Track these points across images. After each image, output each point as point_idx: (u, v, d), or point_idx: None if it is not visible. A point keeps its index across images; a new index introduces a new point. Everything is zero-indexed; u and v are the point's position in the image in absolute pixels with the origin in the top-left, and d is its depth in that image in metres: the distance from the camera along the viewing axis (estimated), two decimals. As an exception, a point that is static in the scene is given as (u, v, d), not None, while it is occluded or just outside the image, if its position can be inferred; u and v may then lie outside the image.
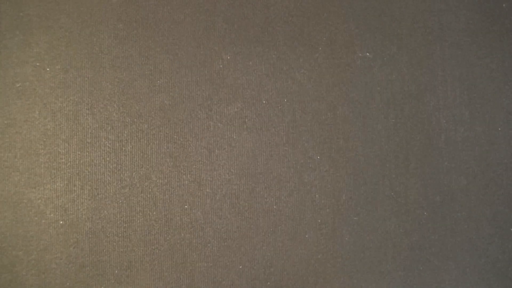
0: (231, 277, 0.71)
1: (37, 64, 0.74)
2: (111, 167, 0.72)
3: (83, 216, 0.72)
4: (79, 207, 0.72)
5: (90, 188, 0.72)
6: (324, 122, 0.73)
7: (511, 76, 0.71)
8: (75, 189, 0.72)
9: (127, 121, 0.73)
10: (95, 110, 0.73)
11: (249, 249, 0.71)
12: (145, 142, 0.72)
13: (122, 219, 0.72)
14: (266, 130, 0.73)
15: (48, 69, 0.74)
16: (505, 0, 0.73)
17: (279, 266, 0.70)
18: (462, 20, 0.72)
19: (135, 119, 0.73)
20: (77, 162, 0.73)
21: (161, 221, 0.71)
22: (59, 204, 0.72)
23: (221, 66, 0.73)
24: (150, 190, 0.72)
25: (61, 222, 0.72)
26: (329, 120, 0.73)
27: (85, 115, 0.73)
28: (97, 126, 0.73)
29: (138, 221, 0.72)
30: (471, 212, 0.70)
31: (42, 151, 0.73)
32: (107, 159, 0.72)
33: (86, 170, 0.72)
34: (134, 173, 0.72)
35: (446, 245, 0.70)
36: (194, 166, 0.72)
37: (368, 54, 0.72)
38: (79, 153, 0.73)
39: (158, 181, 0.72)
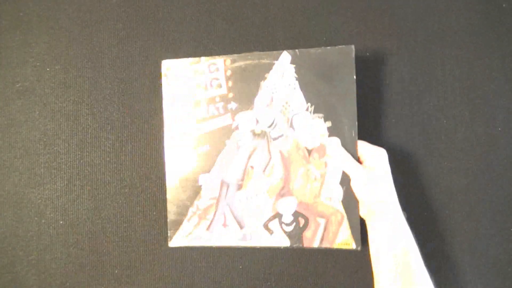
0: (231, 277, 0.71)
1: (37, 64, 0.74)
2: (111, 167, 0.72)
3: (83, 216, 0.72)
4: (79, 207, 0.72)
5: (90, 188, 0.72)
6: (324, 122, 0.73)
7: (511, 76, 0.72)
8: (75, 189, 0.72)
9: (127, 121, 0.73)
10: (95, 110, 0.73)
11: (249, 249, 0.71)
12: (145, 142, 0.72)
13: (122, 219, 0.72)
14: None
15: (48, 69, 0.74)
16: (505, 0, 0.73)
17: (279, 266, 0.70)
18: (462, 20, 0.72)
19: (135, 119, 0.73)
20: (77, 162, 0.73)
21: (161, 221, 0.71)
22: (59, 204, 0.72)
23: (221, 66, 0.73)
24: (150, 190, 0.72)
25: (61, 222, 0.72)
26: (329, 120, 0.73)
27: (85, 115, 0.73)
28: (97, 126, 0.73)
29: (138, 221, 0.72)
30: (471, 212, 0.70)
31: (42, 151, 0.73)
32: (107, 159, 0.72)
33: (86, 170, 0.72)
34: (134, 173, 0.72)
35: (446, 245, 0.70)
36: (194, 166, 0.72)
37: (368, 54, 0.72)
38: (79, 153, 0.73)
39: (158, 181, 0.72)
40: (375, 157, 0.63)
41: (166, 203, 0.71)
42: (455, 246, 0.70)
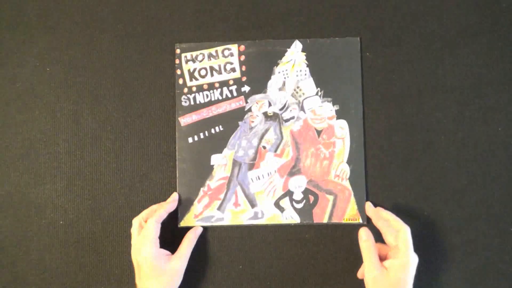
0: (231, 277, 0.71)
1: (37, 64, 0.74)
2: (111, 167, 0.72)
3: (83, 216, 0.72)
4: (79, 207, 0.72)
5: (90, 188, 0.72)
6: (324, 122, 0.73)
7: (511, 76, 0.72)
8: (75, 189, 0.72)
9: (127, 121, 0.73)
10: (95, 110, 0.73)
11: (249, 249, 0.71)
12: (145, 142, 0.72)
13: (122, 219, 0.72)
14: (266, 130, 0.73)
15: (48, 69, 0.74)
16: (505, 0, 0.73)
17: (279, 266, 0.70)
18: (462, 20, 0.72)
19: (135, 119, 0.73)
20: (77, 162, 0.73)
21: (161, 221, 0.71)
22: (59, 204, 0.72)
23: (221, 66, 0.73)
24: (150, 190, 0.72)
25: (61, 222, 0.72)
26: (329, 120, 0.73)
27: (85, 115, 0.73)
28: (97, 126, 0.73)
29: (138, 221, 0.71)
30: (471, 212, 0.70)
31: (42, 151, 0.73)
32: (107, 159, 0.72)
33: (86, 170, 0.72)
34: (134, 173, 0.72)
35: (446, 245, 0.70)
36: (194, 166, 0.72)
37: (368, 54, 0.72)
38: (79, 153, 0.73)
39: (158, 181, 0.72)
40: (402, 254, 0.60)
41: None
42: (455, 246, 0.70)
